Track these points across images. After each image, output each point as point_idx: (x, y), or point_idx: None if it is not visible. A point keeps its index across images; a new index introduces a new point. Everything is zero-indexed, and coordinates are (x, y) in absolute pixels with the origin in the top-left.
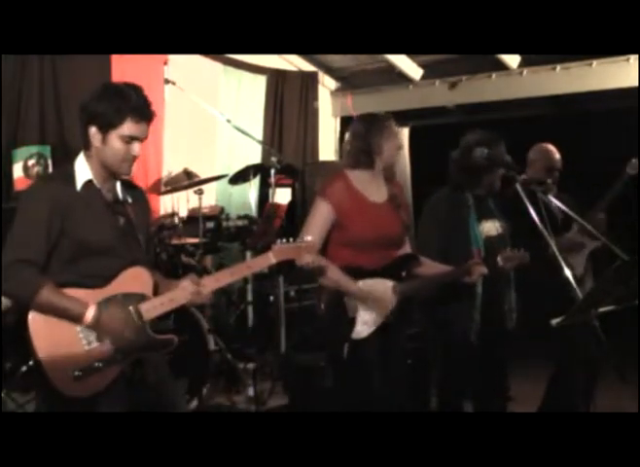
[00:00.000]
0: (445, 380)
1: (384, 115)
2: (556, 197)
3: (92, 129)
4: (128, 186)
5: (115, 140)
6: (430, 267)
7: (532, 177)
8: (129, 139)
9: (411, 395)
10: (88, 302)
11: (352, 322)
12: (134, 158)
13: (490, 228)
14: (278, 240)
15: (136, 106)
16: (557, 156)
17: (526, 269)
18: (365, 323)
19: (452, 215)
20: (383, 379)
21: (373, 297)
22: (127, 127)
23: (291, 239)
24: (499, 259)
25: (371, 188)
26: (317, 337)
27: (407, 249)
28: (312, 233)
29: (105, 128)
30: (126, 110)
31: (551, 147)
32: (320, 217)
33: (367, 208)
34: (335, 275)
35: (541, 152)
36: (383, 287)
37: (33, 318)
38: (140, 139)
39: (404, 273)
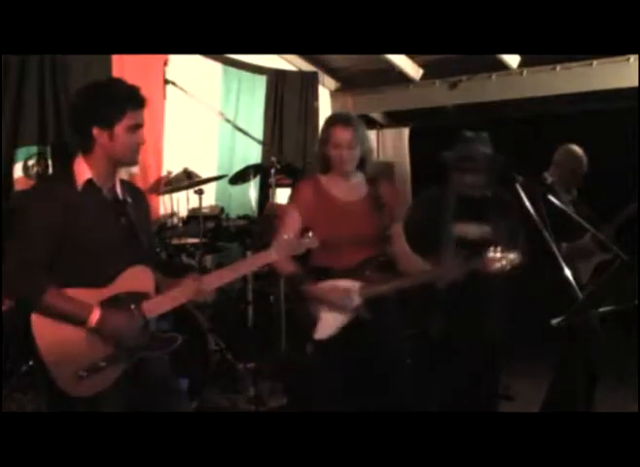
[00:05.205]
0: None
1: (332, 118)
2: (575, 204)
3: (96, 130)
4: (128, 186)
5: (121, 133)
6: (408, 263)
7: (557, 179)
8: (134, 129)
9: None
10: (92, 303)
11: (316, 321)
12: (140, 145)
13: (470, 230)
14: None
15: (130, 95)
16: (583, 157)
17: (526, 269)
18: (327, 323)
19: (424, 212)
20: (353, 380)
21: (330, 297)
22: (129, 118)
23: (292, 235)
24: (484, 260)
25: (342, 188)
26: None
27: (400, 247)
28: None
29: (109, 125)
30: (123, 101)
31: (577, 148)
32: (287, 220)
33: (335, 207)
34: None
35: (566, 153)
36: (345, 288)
37: (36, 319)
38: (142, 126)
39: (367, 273)
